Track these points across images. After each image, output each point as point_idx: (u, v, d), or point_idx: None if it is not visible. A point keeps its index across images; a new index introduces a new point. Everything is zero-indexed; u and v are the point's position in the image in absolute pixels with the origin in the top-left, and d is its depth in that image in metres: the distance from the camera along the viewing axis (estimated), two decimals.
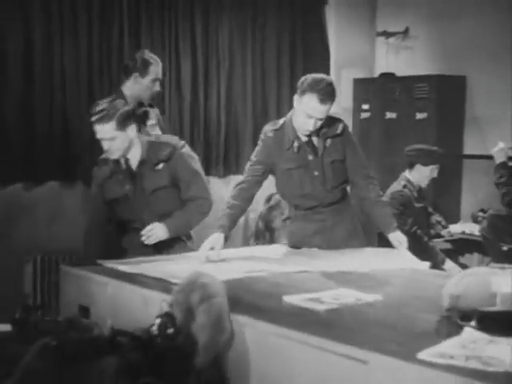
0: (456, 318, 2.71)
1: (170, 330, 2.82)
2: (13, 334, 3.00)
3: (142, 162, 4.15)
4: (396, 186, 5.72)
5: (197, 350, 2.81)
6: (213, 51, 6.64)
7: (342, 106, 7.17)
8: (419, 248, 5.23)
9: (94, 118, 4.00)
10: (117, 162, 4.15)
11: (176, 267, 3.63)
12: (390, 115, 7.27)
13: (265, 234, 6.39)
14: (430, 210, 6.17)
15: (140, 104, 5.04)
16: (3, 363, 2.78)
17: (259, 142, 4.22)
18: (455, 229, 6.38)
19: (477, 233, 6.03)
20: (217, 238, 3.93)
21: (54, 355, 2.64)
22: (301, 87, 3.97)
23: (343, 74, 7.56)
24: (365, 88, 7.47)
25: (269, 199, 6.40)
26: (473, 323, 2.64)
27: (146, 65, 5.09)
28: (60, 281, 3.92)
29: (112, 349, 2.73)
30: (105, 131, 3.97)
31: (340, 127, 4.16)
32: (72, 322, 2.88)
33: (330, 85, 3.97)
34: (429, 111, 7.05)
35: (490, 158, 6.05)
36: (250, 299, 3.14)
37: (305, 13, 7.25)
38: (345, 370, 2.52)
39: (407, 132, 6.92)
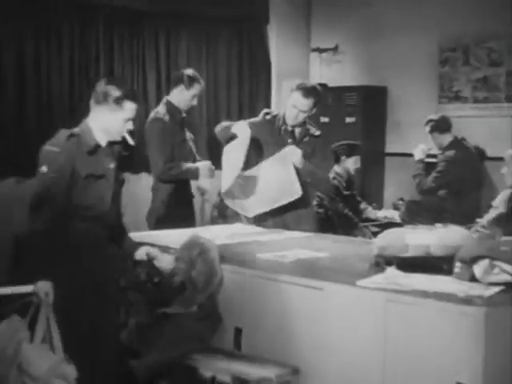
0: (382, 263, 3.86)
1: (156, 279, 3.93)
2: None
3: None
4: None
5: (197, 290, 3.90)
6: (173, 66, 7.46)
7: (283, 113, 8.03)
8: (349, 225, 6.41)
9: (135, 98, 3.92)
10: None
11: (172, 238, 4.56)
12: (323, 119, 7.95)
13: (219, 220, 7.37)
14: (359, 198, 7.24)
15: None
16: None
17: (256, 119, 5.31)
18: (379, 214, 7.27)
19: (397, 217, 7.02)
20: None
21: None
22: (293, 87, 5.12)
23: (283, 85, 8.24)
24: None
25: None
26: (393, 265, 3.80)
27: (192, 80, 5.55)
28: None
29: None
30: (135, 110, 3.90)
31: (318, 133, 5.28)
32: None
33: (313, 86, 5.15)
34: (356, 116, 7.90)
35: (407, 155, 7.05)
36: (233, 256, 4.22)
37: (250, 31, 8.09)
38: (306, 296, 3.65)
39: (338, 134, 7.48)
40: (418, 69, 7.77)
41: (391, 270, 3.76)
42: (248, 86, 8.12)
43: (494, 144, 7.02)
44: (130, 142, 3.97)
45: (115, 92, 3.79)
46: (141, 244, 4.12)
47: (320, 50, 8.50)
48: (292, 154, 5.06)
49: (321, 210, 6.58)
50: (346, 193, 6.85)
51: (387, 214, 7.34)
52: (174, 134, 5.52)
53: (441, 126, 6.68)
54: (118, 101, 3.79)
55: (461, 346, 3.18)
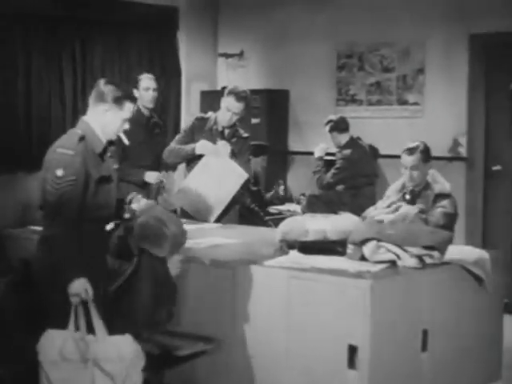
0: (285, 246, 4.41)
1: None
2: None
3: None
4: None
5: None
6: (89, 72, 7.72)
7: (191, 112, 8.17)
8: (256, 219, 6.95)
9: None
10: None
11: None
12: None
13: None
14: (263, 193, 7.73)
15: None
16: None
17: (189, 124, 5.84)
18: (283, 208, 7.73)
19: (299, 211, 7.39)
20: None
21: None
22: (226, 92, 5.67)
23: (192, 87, 8.58)
24: (210, 99, 8.30)
25: None
26: (295, 249, 4.35)
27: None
28: None
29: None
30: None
31: (246, 135, 5.80)
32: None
33: (243, 91, 5.67)
34: (261, 117, 8.12)
35: (308, 153, 7.49)
36: None
37: (161, 37, 8.34)
38: (219, 275, 4.19)
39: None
40: (317, 74, 8.12)
41: (293, 253, 4.33)
42: (159, 90, 8.36)
43: (387, 143, 7.45)
44: (125, 141, 4.03)
45: (115, 92, 3.77)
46: None
47: (226, 56, 8.80)
48: (224, 148, 5.59)
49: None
50: (253, 188, 7.36)
51: (290, 207, 7.77)
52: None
53: (339, 126, 7.21)
54: (119, 100, 3.77)
55: (352, 313, 3.75)
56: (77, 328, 3.66)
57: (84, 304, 3.66)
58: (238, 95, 5.65)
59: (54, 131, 7.38)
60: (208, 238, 4.79)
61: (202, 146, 5.64)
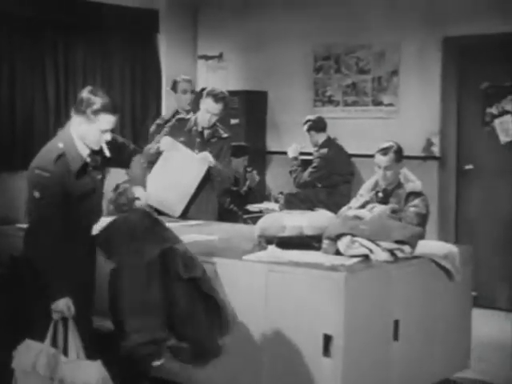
0: (263, 242, 4.59)
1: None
2: None
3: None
4: None
5: None
6: (71, 75, 7.86)
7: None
8: (234, 219, 7.11)
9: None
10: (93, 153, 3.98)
11: None
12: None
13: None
14: (242, 193, 7.87)
15: None
16: None
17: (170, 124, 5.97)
18: (261, 207, 7.86)
19: (277, 209, 7.47)
20: None
21: None
22: (204, 94, 5.83)
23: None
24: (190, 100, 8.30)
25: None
26: (273, 244, 4.52)
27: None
28: None
29: None
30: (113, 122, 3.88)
31: (226, 135, 5.94)
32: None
33: (221, 91, 5.84)
34: (240, 118, 8.28)
35: (286, 153, 7.62)
36: None
37: (142, 40, 8.51)
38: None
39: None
40: (295, 75, 8.26)
41: (271, 248, 4.49)
42: (140, 92, 8.54)
43: (362, 143, 7.62)
44: (107, 153, 3.93)
45: (93, 103, 3.77)
46: None
47: (206, 58, 8.94)
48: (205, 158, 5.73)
49: None
50: (234, 189, 7.51)
51: (268, 206, 7.92)
52: None
53: (317, 125, 7.42)
54: (95, 112, 3.77)
55: (327, 304, 3.93)
56: (54, 344, 3.72)
57: (64, 321, 3.74)
58: (216, 97, 5.81)
59: (38, 134, 7.62)
60: (189, 235, 4.96)
61: (164, 142, 5.77)
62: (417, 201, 5.25)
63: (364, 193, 5.48)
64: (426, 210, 5.27)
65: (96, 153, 3.92)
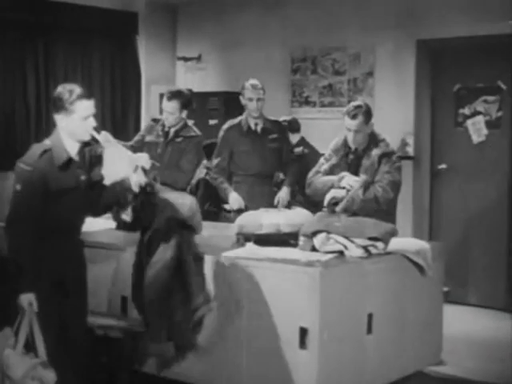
0: (242, 239, 4.72)
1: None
2: None
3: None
4: (201, 173, 7.17)
5: None
6: (52, 76, 7.94)
7: (151, 115, 8.41)
8: (214, 218, 7.18)
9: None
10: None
11: None
12: (189, 122, 8.34)
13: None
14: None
15: None
16: None
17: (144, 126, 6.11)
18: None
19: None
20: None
21: None
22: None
23: (152, 90, 8.76)
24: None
25: None
26: (251, 241, 4.66)
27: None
28: None
29: None
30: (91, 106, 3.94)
31: (192, 133, 6.04)
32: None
33: (176, 90, 6.01)
34: (218, 118, 8.30)
35: None
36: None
37: (122, 42, 8.60)
38: None
39: (203, 134, 7.16)
40: (272, 76, 8.23)
41: (249, 245, 4.64)
42: (120, 93, 8.64)
43: None
44: (98, 137, 3.98)
45: (65, 95, 3.85)
46: None
47: (185, 59, 9.00)
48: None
49: None
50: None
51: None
52: None
53: (292, 126, 7.50)
54: (71, 103, 3.83)
55: (303, 298, 4.08)
56: (16, 339, 3.79)
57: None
58: (168, 95, 5.94)
59: (19, 135, 7.72)
60: None
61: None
62: (390, 166, 5.15)
63: (332, 155, 5.34)
64: (399, 175, 5.18)
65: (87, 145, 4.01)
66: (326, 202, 5.05)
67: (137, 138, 6.27)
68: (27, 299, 3.79)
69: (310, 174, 5.37)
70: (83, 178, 3.97)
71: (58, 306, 3.92)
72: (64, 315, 3.96)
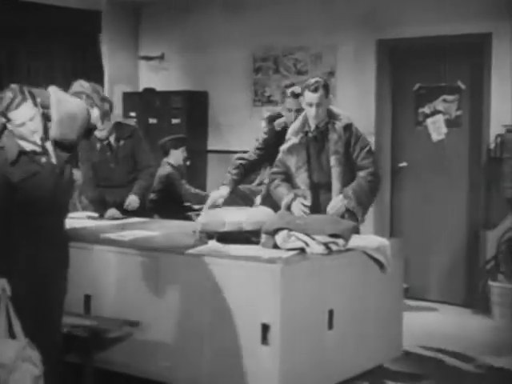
0: (205, 237, 4.77)
1: None
2: None
3: None
4: (164, 170, 7.18)
5: None
6: (15, 76, 7.76)
7: (114, 114, 7.76)
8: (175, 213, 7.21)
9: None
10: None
11: None
12: (151, 121, 8.63)
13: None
14: (188, 186, 7.95)
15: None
16: None
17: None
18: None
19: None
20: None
21: None
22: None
23: (115, 89, 8.78)
24: (132, 100, 8.79)
25: None
26: (214, 239, 4.71)
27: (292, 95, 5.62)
28: None
29: None
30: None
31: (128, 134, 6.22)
32: None
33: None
34: (181, 117, 8.44)
35: (227, 152, 7.92)
36: (80, 236, 5.01)
37: (84, 40, 8.58)
38: (145, 264, 4.53)
39: (165, 133, 7.72)
40: (235, 76, 8.40)
41: (212, 243, 4.69)
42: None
43: None
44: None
45: (4, 105, 3.86)
46: None
47: (148, 58, 9.04)
48: None
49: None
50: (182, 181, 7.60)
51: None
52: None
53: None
54: (15, 107, 3.83)
55: (265, 295, 4.15)
56: None
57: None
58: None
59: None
60: (132, 231, 5.12)
61: None
62: (360, 139, 5.16)
63: (292, 136, 5.25)
64: (367, 140, 5.24)
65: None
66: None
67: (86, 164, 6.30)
68: (0, 284, 3.81)
69: (268, 178, 5.38)
70: (43, 160, 3.94)
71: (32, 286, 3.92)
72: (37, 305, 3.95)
